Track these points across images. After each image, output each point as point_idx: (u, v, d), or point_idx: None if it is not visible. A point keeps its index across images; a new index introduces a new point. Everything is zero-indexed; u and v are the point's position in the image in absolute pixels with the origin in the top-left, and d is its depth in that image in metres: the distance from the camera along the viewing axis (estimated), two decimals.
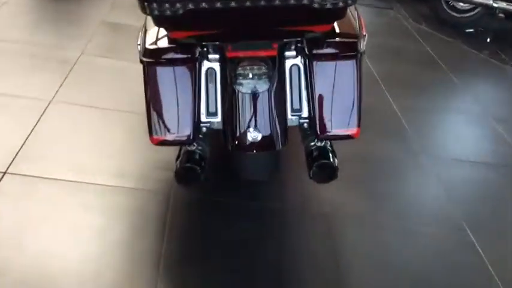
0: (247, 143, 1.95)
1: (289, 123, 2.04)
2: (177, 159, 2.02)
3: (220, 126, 2.02)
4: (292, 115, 2.04)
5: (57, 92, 2.87)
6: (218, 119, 2.02)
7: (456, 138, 3.31)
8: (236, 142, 1.96)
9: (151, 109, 1.96)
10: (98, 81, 3.06)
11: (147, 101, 1.96)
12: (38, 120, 2.61)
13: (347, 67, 1.97)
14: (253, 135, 1.95)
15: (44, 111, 2.68)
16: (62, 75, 3.04)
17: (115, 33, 3.71)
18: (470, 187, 2.82)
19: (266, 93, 1.95)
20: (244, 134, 1.95)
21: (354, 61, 1.96)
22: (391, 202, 2.55)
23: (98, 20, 3.86)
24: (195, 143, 2.00)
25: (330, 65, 1.97)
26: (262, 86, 1.93)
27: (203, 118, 2.01)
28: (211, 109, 2.03)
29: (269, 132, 1.96)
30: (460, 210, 2.55)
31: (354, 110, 1.99)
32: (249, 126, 1.95)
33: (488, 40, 5.26)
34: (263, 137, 1.95)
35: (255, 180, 2.32)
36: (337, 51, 1.97)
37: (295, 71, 2.02)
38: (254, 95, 1.94)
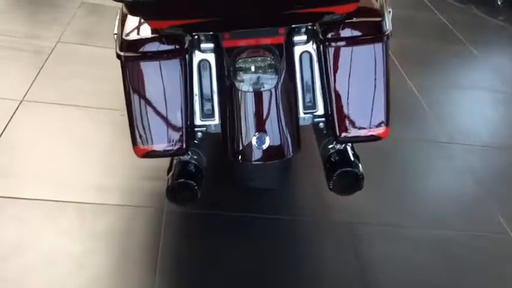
0: (252, 152, 1.62)
1: (301, 123, 1.70)
2: (168, 173, 1.67)
3: (218, 130, 1.68)
4: (304, 113, 1.70)
5: (29, 89, 2.50)
6: (215, 121, 1.68)
7: (483, 120, 2.94)
8: (238, 151, 1.62)
9: (134, 114, 1.61)
10: (78, 74, 2.68)
11: (128, 105, 1.61)
12: (6, 126, 2.24)
13: (371, 53, 1.60)
14: (258, 143, 1.61)
15: (13, 114, 2.31)
16: (35, 68, 2.65)
17: (97, 17, 3.29)
18: (504, 177, 2.48)
19: (273, 90, 1.59)
20: (248, 141, 1.61)
21: (380, 45, 1.60)
22: (418, 203, 2.21)
23: (77, 2, 3.45)
24: (189, 152, 1.65)
25: (349, 50, 1.61)
26: (268, 82, 1.58)
27: (197, 121, 1.67)
28: (207, 110, 1.69)
29: (278, 137, 1.62)
30: (496, 206, 2.23)
31: (380, 105, 1.63)
32: (253, 132, 1.60)
33: (500, 3, 4.85)
34: (271, 144, 1.60)
35: (262, 189, 1.98)
36: (358, 33, 1.60)
37: (306, 59, 1.68)
38: (258, 93, 1.59)
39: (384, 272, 1.89)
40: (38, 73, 2.63)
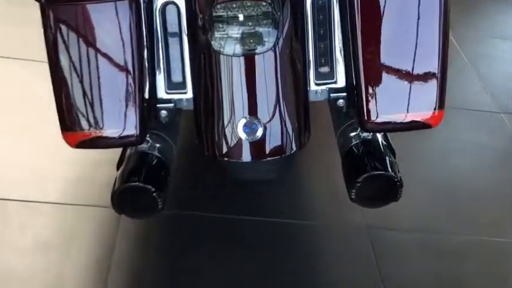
0: (238, 146, 1.12)
1: (312, 99, 1.20)
2: (118, 167, 1.17)
3: (191, 106, 1.18)
4: (317, 84, 1.19)
5: None
6: (187, 94, 1.18)
7: None
8: (218, 144, 1.11)
9: (61, 85, 1.09)
10: (31, 19, 2.11)
11: (53, 70, 1.09)
12: None
13: None
14: (248, 132, 1.09)
15: None
16: None
17: None
18: None
19: (270, 53, 1.06)
20: (233, 129, 1.10)
21: None
22: (463, 200, 1.69)
23: None
24: (149, 138, 1.17)
25: None
26: (263, 40, 1.07)
27: (162, 93, 1.18)
28: (175, 77, 1.18)
29: (277, 124, 1.11)
30: None
31: (432, 76, 1.10)
32: (240, 115, 1.08)
33: None
34: (266, 135, 1.09)
35: (255, 182, 1.47)
36: None
37: (322, 5, 1.15)
38: (248, 58, 1.06)
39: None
40: None
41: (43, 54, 1.11)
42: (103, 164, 1.54)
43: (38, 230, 1.39)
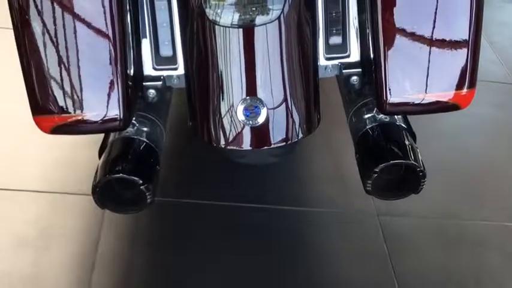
0: (237, 132, 0.98)
1: (321, 75, 1.06)
2: (100, 155, 1.04)
3: (182, 84, 1.05)
4: (327, 59, 1.05)
5: None
6: (178, 70, 1.04)
7: None
8: (215, 129, 0.97)
9: (31, 62, 0.94)
10: None
11: (20, 45, 0.93)
12: None
13: None
14: (248, 115, 0.96)
15: None
16: None
17: None
18: None
19: (275, 24, 0.92)
20: (231, 112, 0.95)
21: None
22: (486, 182, 1.56)
23: None
24: (135, 121, 1.04)
25: None
26: (268, 10, 0.92)
27: (149, 70, 1.04)
28: (164, 51, 1.04)
29: (282, 107, 0.97)
30: None
31: (463, 48, 0.96)
32: (239, 96, 0.95)
33: None
34: (270, 119, 0.95)
35: (255, 166, 1.33)
36: None
37: None
38: (248, 30, 0.91)
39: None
40: None
41: (7, 20, 0.97)
42: (84, 145, 1.40)
43: (12, 222, 1.25)
